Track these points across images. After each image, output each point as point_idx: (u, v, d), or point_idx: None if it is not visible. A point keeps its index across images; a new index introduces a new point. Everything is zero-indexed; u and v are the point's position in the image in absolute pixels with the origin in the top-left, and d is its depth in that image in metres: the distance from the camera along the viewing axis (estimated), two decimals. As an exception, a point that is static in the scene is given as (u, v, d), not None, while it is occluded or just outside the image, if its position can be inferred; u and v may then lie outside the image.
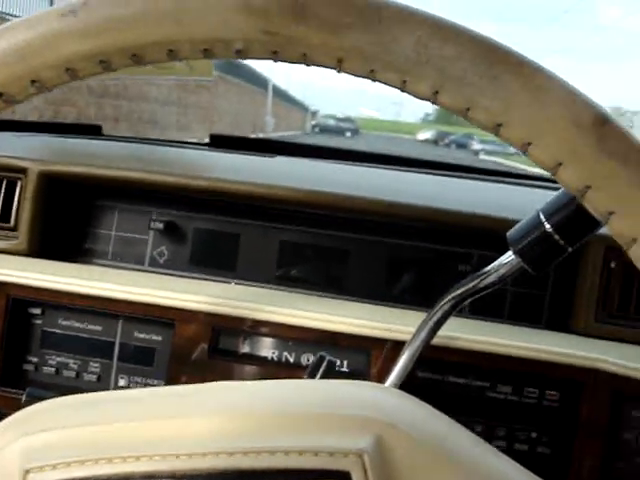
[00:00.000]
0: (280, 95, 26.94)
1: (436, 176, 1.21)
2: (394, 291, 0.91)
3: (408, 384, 0.82)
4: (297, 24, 0.38)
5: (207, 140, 1.39)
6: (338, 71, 0.41)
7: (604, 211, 0.39)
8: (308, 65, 0.41)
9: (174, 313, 0.84)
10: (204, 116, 14.75)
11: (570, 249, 0.56)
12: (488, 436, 0.83)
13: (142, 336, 0.87)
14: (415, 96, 0.41)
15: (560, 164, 0.39)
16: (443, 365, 0.83)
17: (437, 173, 1.24)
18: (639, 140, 0.39)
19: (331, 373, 0.68)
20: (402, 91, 0.41)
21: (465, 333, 0.81)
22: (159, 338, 0.87)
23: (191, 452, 0.33)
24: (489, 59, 0.39)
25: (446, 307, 0.67)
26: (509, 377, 0.83)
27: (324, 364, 0.67)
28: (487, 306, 0.90)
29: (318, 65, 0.41)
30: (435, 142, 46.64)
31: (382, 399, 0.37)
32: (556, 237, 0.55)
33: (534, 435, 0.83)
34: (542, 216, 0.56)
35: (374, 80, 0.42)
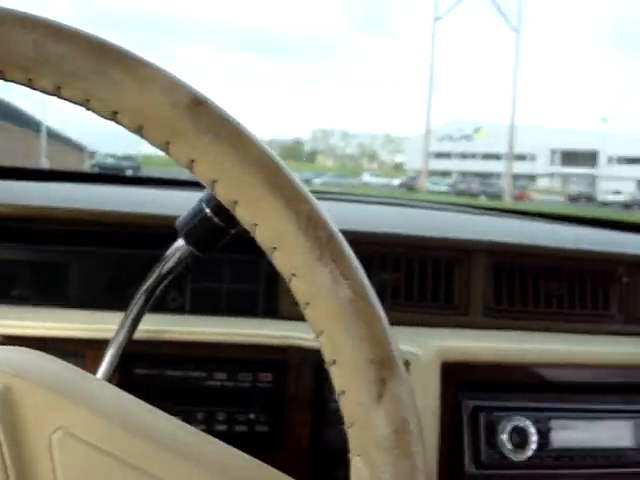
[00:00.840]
0: (55, 137, 25.97)
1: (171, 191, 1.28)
2: (111, 297, 0.94)
3: (127, 382, 0.86)
4: None
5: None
6: None
7: (209, 180, 0.45)
8: None
9: None
10: (-28, 161, 13.91)
11: (232, 230, 0.63)
12: (209, 423, 0.88)
13: None
14: (43, 92, 0.46)
15: (168, 142, 0.45)
16: (160, 359, 0.88)
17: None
18: (232, 117, 0.46)
19: None
20: (32, 89, 0.46)
21: (177, 326, 0.87)
22: None
23: None
24: (98, 55, 0.44)
25: (141, 301, 0.72)
26: (224, 364, 0.89)
27: None
28: (205, 304, 0.95)
29: None
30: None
31: (12, 357, 0.41)
32: (215, 220, 0.61)
33: (252, 417, 0.89)
34: (203, 203, 0.62)
35: (5, 80, 0.46)
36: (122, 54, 0.45)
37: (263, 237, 0.45)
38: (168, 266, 0.68)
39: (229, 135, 0.45)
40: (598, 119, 58.54)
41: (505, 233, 1.20)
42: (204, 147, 0.45)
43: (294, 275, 0.44)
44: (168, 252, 0.68)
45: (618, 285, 1.10)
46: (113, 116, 0.45)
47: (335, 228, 0.45)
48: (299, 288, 0.44)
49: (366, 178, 47.37)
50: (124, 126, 0.46)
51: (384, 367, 0.43)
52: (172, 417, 0.44)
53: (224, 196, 0.45)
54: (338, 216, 1.11)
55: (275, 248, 0.45)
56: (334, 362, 0.44)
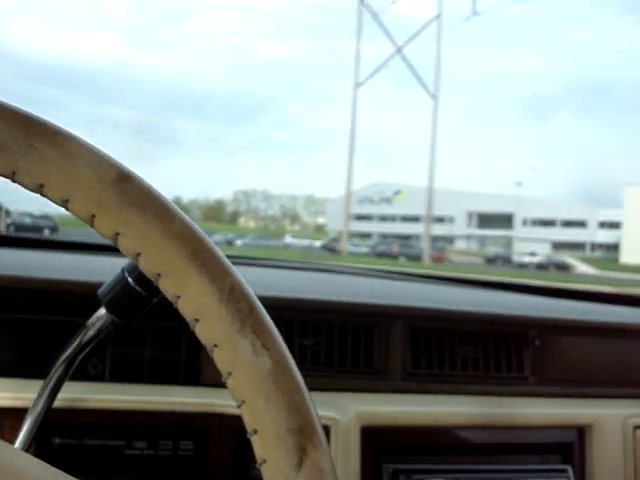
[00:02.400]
0: (-31, 195, 25.30)
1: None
2: (30, 365, 0.92)
3: (45, 452, 0.84)
4: None
5: None
6: None
7: (133, 253, 0.46)
8: None
9: None
10: None
11: (155, 299, 0.63)
12: None
13: None
14: None
15: (94, 216, 0.46)
16: (79, 428, 0.86)
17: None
18: (158, 192, 0.48)
19: None
20: None
21: (96, 394, 0.86)
22: None
23: None
24: (26, 130, 0.45)
25: (60, 370, 0.71)
26: (144, 432, 0.88)
27: None
28: (126, 372, 0.94)
29: None
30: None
31: None
32: (138, 289, 0.61)
33: None
34: (125, 272, 0.63)
35: None
36: (50, 129, 0.46)
37: (186, 309, 0.46)
38: (89, 335, 0.68)
39: (153, 209, 0.46)
40: (513, 183, 60.28)
41: (422, 298, 1.23)
42: (128, 220, 0.46)
43: (216, 346, 0.45)
44: (89, 321, 0.68)
45: (531, 347, 1.13)
46: (39, 189, 0.46)
47: (256, 300, 0.47)
48: (221, 359, 0.46)
49: (288, 240, 47.54)
50: (50, 199, 0.46)
51: (304, 435, 0.44)
52: None
53: (148, 268, 0.46)
54: (260, 282, 1.13)
55: (197, 320, 0.46)
56: (255, 432, 0.45)
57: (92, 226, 0.47)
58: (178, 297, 0.46)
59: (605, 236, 55.01)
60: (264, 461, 0.44)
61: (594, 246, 56.48)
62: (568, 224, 56.75)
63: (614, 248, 51.80)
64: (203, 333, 0.46)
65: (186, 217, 0.48)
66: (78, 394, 0.86)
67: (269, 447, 0.44)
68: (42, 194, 0.47)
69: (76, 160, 0.45)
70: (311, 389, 0.47)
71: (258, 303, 0.47)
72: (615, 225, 52.70)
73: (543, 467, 1.08)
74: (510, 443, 1.09)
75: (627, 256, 46.39)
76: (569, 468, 1.09)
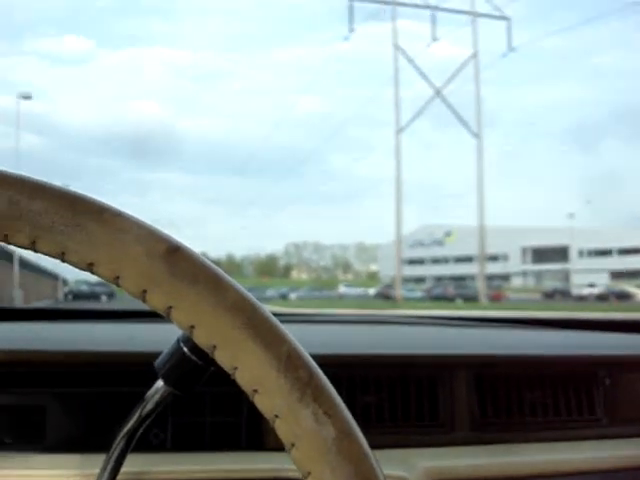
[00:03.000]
0: (29, 266, 26.00)
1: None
2: (91, 438, 0.92)
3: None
4: None
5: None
6: None
7: (187, 326, 0.46)
8: None
9: None
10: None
11: (212, 368, 0.62)
12: None
13: None
14: (16, 246, 0.47)
15: (145, 291, 0.45)
16: None
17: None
18: (208, 263, 0.47)
19: None
20: (8, 244, 0.47)
21: (160, 466, 0.85)
22: None
23: None
24: (73, 209, 0.45)
25: (122, 444, 0.70)
26: None
27: None
28: (188, 440, 0.93)
29: None
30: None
31: None
32: (194, 358, 0.60)
33: None
34: (181, 342, 0.62)
35: None
36: (97, 207, 0.46)
37: (244, 380, 0.45)
38: (148, 408, 0.67)
39: (205, 280, 0.46)
40: (564, 215, 59.48)
41: (483, 344, 1.20)
42: (180, 294, 0.45)
43: (277, 417, 0.44)
44: (148, 393, 0.67)
45: (601, 387, 1.10)
46: (89, 267, 0.46)
47: (314, 365, 0.46)
48: (283, 430, 0.44)
49: (342, 289, 47.42)
50: (100, 277, 0.46)
51: None
52: None
53: (203, 341, 0.46)
54: (317, 340, 1.11)
55: (256, 391, 0.45)
56: None
57: (144, 301, 0.46)
58: (235, 368, 0.45)
59: (664, 262, 53.79)
60: None
61: (654, 273, 55.25)
62: (625, 252, 55.64)
63: (675, 273, 50.56)
64: (263, 404, 0.45)
65: (238, 286, 0.47)
66: (141, 466, 0.85)
67: None
68: (92, 272, 0.46)
69: (124, 236, 0.45)
70: (377, 447, 0.45)
71: (317, 368, 0.46)
72: (674, 250, 51.52)
73: None
74: None
75: (689, 281, 45.22)
76: None
